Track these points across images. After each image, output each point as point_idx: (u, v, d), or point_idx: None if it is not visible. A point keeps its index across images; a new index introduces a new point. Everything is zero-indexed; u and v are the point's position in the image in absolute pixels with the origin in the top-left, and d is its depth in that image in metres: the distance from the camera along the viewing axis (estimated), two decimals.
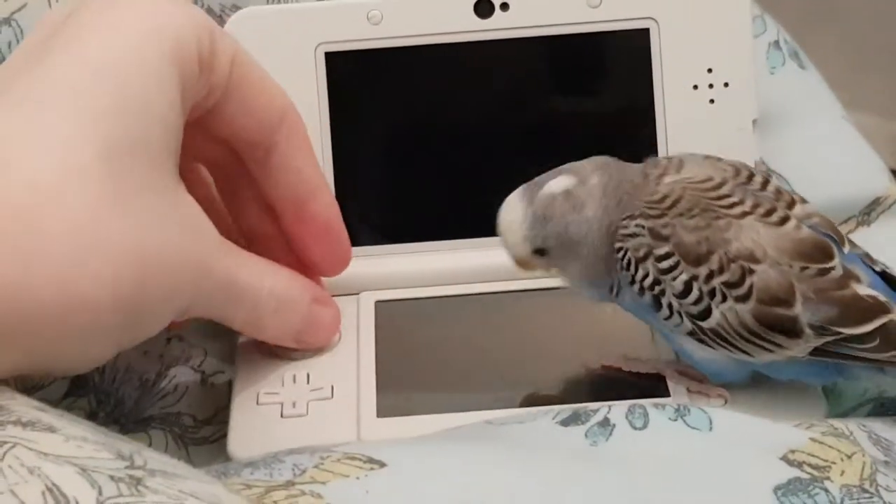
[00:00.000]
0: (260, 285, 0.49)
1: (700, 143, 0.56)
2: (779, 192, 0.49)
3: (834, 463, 0.43)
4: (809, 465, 0.43)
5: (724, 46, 0.57)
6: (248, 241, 0.53)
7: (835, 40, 1.19)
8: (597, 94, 0.58)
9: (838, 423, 0.46)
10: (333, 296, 0.55)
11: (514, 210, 0.49)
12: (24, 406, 0.39)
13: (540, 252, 0.49)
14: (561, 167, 0.50)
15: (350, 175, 0.57)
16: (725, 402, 0.49)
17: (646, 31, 0.57)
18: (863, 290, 0.47)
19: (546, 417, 0.45)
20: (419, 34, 0.56)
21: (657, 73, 0.57)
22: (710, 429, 0.44)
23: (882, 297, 0.47)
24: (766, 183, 0.49)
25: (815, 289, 0.47)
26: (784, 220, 0.48)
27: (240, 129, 0.49)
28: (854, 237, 0.58)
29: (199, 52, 0.46)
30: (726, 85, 0.57)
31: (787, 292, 0.47)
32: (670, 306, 0.48)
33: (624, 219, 0.48)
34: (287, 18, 0.57)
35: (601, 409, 0.45)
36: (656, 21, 0.56)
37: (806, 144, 0.60)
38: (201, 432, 0.55)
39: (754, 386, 0.50)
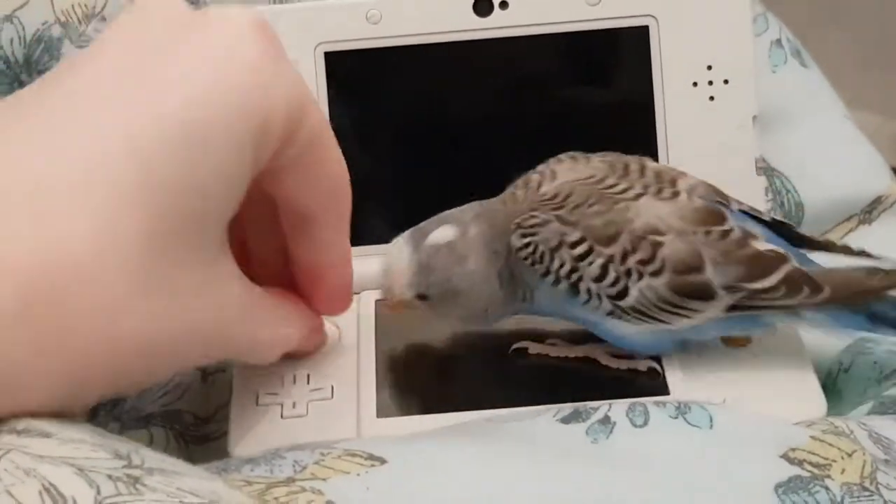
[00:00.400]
0: (274, 339, 0.48)
1: (700, 140, 0.57)
2: (658, 173, 0.51)
3: (834, 461, 0.43)
4: (810, 463, 0.43)
5: (723, 43, 0.57)
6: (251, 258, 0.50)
7: (838, 39, 1.19)
8: (596, 92, 0.58)
9: (839, 422, 0.46)
10: None
11: (400, 256, 0.50)
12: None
13: (421, 297, 0.51)
14: (442, 215, 0.51)
15: (351, 174, 0.56)
16: (659, 373, 0.51)
17: (645, 29, 0.57)
18: (761, 245, 0.49)
19: (547, 415, 0.45)
20: (418, 33, 0.57)
21: (657, 70, 0.57)
22: (711, 426, 0.44)
23: (780, 249, 0.50)
24: (643, 168, 0.51)
25: (720, 251, 0.49)
26: (675, 195, 0.50)
27: (291, 197, 0.46)
28: (855, 235, 0.59)
29: (285, 127, 0.42)
30: (726, 82, 0.57)
31: (697, 259, 0.49)
32: (588, 291, 0.49)
33: (520, 216, 0.50)
34: (286, 19, 0.57)
35: (602, 406, 0.45)
36: (655, 18, 0.56)
37: (807, 143, 0.60)
38: (202, 430, 0.55)
39: (754, 384, 0.50)
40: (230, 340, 0.45)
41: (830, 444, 0.44)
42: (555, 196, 0.50)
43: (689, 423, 0.44)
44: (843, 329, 0.50)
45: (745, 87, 0.57)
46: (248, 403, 0.51)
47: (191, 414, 0.55)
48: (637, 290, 0.49)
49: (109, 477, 0.35)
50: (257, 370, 0.52)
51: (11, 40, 0.56)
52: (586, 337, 0.52)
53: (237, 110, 0.40)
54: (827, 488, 0.42)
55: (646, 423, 0.44)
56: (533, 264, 0.50)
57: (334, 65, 0.57)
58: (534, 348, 0.52)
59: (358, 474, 0.41)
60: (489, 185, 0.52)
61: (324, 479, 0.41)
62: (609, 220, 0.49)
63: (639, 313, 0.49)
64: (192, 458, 0.52)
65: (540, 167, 0.52)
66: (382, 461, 0.42)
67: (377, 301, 0.55)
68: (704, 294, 0.49)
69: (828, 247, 0.52)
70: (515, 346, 0.52)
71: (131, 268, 0.39)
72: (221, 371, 0.56)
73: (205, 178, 0.40)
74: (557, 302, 0.50)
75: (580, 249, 0.49)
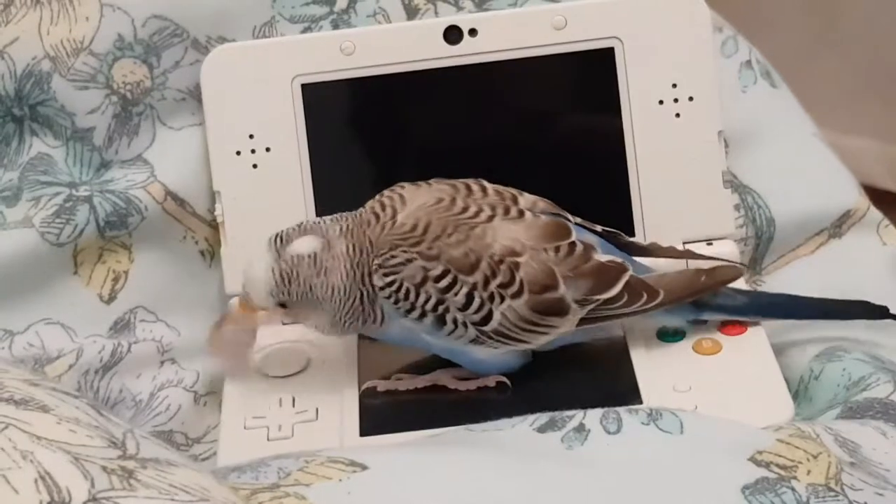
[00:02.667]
0: None
1: (668, 156, 0.58)
2: (498, 192, 0.53)
3: (800, 463, 0.44)
4: (776, 465, 0.44)
5: (687, 62, 0.58)
6: None
7: (834, 65, 1.19)
8: (566, 113, 0.60)
9: (805, 426, 0.47)
10: None
11: (262, 267, 0.51)
12: (16, 381, 0.40)
13: (282, 305, 0.52)
14: (305, 224, 0.52)
15: (330, 202, 0.58)
16: (509, 385, 0.53)
17: (610, 50, 0.58)
18: (602, 257, 0.53)
19: (524, 424, 0.46)
20: (391, 62, 0.58)
21: (623, 90, 0.58)
22: (681, 432, 0.45)
23: (618, 259, 0.53)
24: (483, 189, 0.53)
25: (569, 268, 0.51)
26: (521, 214, 0.52)
27: None
28: (826, 249, 0.61)
29: None
30: (691, 99, 0.58)
31: (551, 277, 0.51)
32: (455, 321, 0.51)
33: (381, 255, 0.51)
34: (263, 53, 0.58)
35: (577, 415, 0.46)
36: (620, 40, 0.58)
37: (777, 160, 0.61)
38: (192, 450, 0.57)
39: (724, 391, 0.51)
40: None
41: (796, 447, 0.45)
42: (414, 227, 0.51)
43: (660, 430, 0.45)
44: (674, 317, 0.54)
45: (710, 104, 0.58)
46: (237, 427, 0.52)
47: (182, 434, 0.57)
48: (499, 314, 0.51)
49: (104, 469, 0.36)
50: (245, 394, 0.54)
51: (3, 76, 0.58)
52: (429, 366, 0.54)
53: None
54: (793, 489, 0.43)
55: (619, 429, 0.45)
56: (396, 302, 0.51)
57: (311, 96, 0.58)
58: (382, 386, 0.53)
59: (340, 480, 0.42)
60: None
61: (307, 485, 0.42)
62: (469, 249, 0.51)
63: (501, 336, 0.51)
64: None
65: (386, 192, 0.53)
66: (364, 467, 0.43)
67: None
68: (560, 310, 0.51)
69: (652, 251, 0.55)
70: (364, 386, 0.53)
71: None
72: (213, 393, 0.58)
73: None
74: (415, 333, 0.52)
75: (445, 282, 0.51)
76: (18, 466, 0.35)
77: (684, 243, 0.58)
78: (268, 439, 0.52)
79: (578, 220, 0.54)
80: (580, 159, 0.59)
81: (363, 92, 0.58)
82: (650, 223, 0.58)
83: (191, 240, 0.59)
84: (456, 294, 0.51)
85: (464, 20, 0.58)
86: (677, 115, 0.58)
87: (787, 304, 0.55)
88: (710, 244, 0.58)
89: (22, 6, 0.58)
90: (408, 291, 0.51)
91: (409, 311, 0.51)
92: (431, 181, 0.53)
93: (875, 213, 0.61)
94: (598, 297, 0.52)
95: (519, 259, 0.51)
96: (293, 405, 0.53)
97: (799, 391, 0.54)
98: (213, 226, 0.59)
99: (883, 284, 0.59)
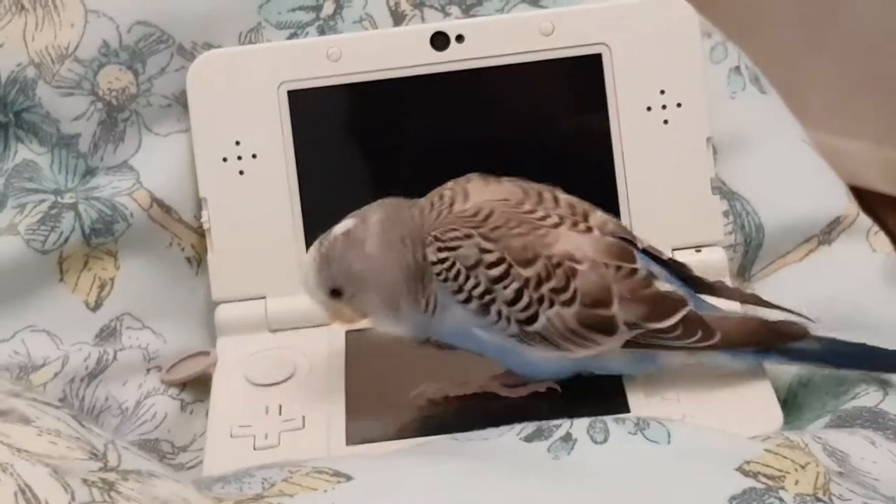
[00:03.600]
0: None
1: (655, 163, 0.58)
2: (571, 205, 0.52)
3: (788, 473, 0.44)
4: (764, 475, 0.44)
5: (675, 68, 0.58)
6: None
7: (828, 68, 1.19)
8: (553, 120, 0.59)
9: (793, 436, 0.47)
10: (306, 327, 0.57)
11: (308, 259, 0.51)
12: None
13: (336, 293, 0.51)
14: (350, 214, 0.52)
15: (318, 209, 0.58)
16: (558, 390, 0.52)
17: (598, 57, 0.58)
18: (663, 286, 0.51)
19: (510, 433, 0.46)
20: (378, 69, 0.58)
21: (611, 96, 0.58)
22: (669, 442, 0.45)
23: (680, 292, 0.51)
24: (556, 198, 0.52)
25: (628, 289, 0.50)
26: (589, 230, 0.51)
27: None
28: (816, 256, 0.60)
29: None
30: (679, 105, 0.58)
31: (606, 294, 0.50)
32: (499, 313, 0.50)
33: (437, 233, 0.50)
34: (249, 59, 0.58)
35: (564, 424, 0.46)
36: (608, 46, 0.58)
37: (766, 167, 0.61)
38: (178, 458, 0.56)
39: (711, 401, 0.51)
40: None
41: (784, 457, 0.45)
42: (475, 213, 0.51)
43: (647, 439, 0.45)
44: (735, 361, 0.52)
45: (698, 110, 0.58)
46: (223, 436, 0.52)
47: (168, 442, 0.57)
48: (545, 318, 0.50)
49: (84, 481, 0.36)
50: (232, 402, 0.54)
51: None
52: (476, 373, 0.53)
53: None
54: (781, 499, 0.43)
55: (606, 439, 0.45)
56: (446, 280, 0.50)
57: (297, 102, 0.58)
58: (432, 392, 0.53)
59: (325, 491, 0.42)
60: None
61: (291, 496, 0.42)
62: (529, 243, 0.50)
63: (543, 339, 0.51)
64: None
65: (449, 184, 0.52)
66: (348, 478, 0.42)
67: (347, 331, 0.56)
68: (608, 328, 0.50)
69: (718, 290, 0.54)
70: (414, 393, 0.53)
71: None
72: (199, 401, 0.57)
73: None
74: (467, 327, 0.51)
75: (497, 271, 0.50)
76: None
77: (673, 250, 0.57)
78: (254, 448, 0.51)
79: (647, 245, 0.52)
80: (568, 166, 0.58)
81: (350, 98, 0.58)
82: (639, 230, 0.57)
83: (177, 246, 0.59)
84: (506, 287, 0.50)
85: (451, 26, 0.58)
86: (665, 121, 0.58)
87: (862, 355, 0.53)
88: (699, 251, 0.58)
89: (6, 12, 0.58)
90: (458, 272, 0.50)
91: (456, 293, 0.50)
92: (504, 178, 0.52)
93: (865, 220, 0.61)
94: (650, 324, 0.50)
95: (578, 266, 0.50)
96: (280, 413, 0.53)
97: (787, 399, 0.54)
98: (200, 232, 0.59)
99: (872, 292, 0.59)
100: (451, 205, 0.51)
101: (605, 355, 0.51)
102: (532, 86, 0.59)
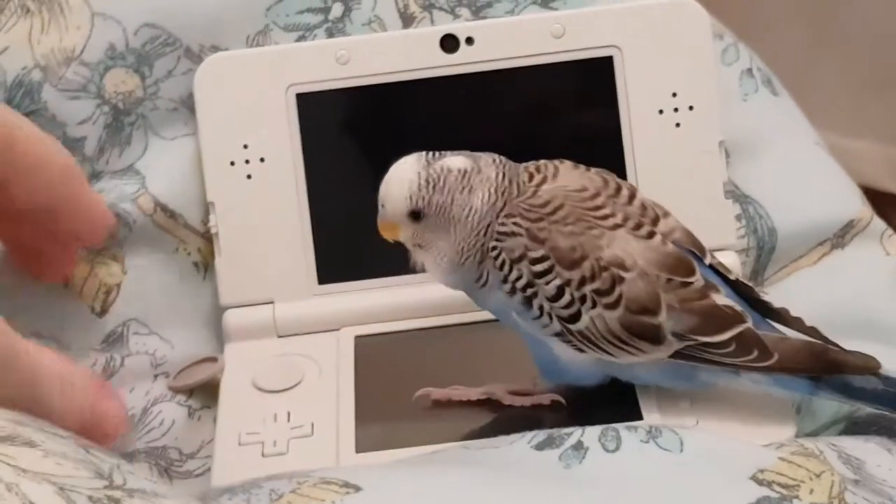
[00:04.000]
0: (40, 361, 0.47)
1: (667, 166, 0.58)
2: (644, 206, 0.51)
3: (803, 482, 0.43)
4: (779, 484, 0.43)
5: (687, 70, 0.58)
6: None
7: (836, 67, 1.19)
8: (564, 123, 0.59)
9: (808, 443, 0.47)
10: (314, 332, 0.56)
11: (408, 168, 0.50)
12: (3, 420, 0.39)
13: (415, 216, 0.50)
14: (462, 151, 0.51)
15: (327, 213, 0.58)
16: (563, 404, 0.51)
17: (609, 59, 0.57)
18: (721, 300, 0.50)
19: (521, 442, 0.46)
20: (387, 71, 0.57)
21: (622, 99, 0.57)
22: (681, 450, 0.45)
23: (738, 307, 0.50)
24: (632, 196, 0.52)
25: (678, 299, 0.49)
26: (651, 235, 0.50)
27: (27, 195, 0.52)
28: (829, 259, 0.60)
29: None
30: (691, 108, 0.58)
31: (654, 302, 0.49)
32: (541, 308, 0.50)
33: (502, 217, 0.50)
34: (257, 61, 0.58)
35: (575, 432, 0.45)
36: (619, 49, 0.57)
37: (779, 170, 0.60)
38: (186, 465, 0.56)
39: (725, 407, 0.51)
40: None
41: (799, 465, 0.44)
42: (545, 204, 0.50)
43: (660, 447, 0.45)
44: (785, 390, 0.50)
45: (711, 113, 0.58)
46: (231, 443, 0.52)
47: (176, 450, 0.56)
48: (589, 318, 0.49)
49: (90, 499, 0.36)
50: (240, 409, 0.54)
51: None
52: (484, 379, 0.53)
53: None
54: None
55: (618, 447, 0.45)
56: (496, 267, 0.50)
57: (306, 106, 0.57)
58: (437, 394, 0.53)
59: (333, 502, 0.41)
60: None
61: None
62: (578, 244, 0.49)
63: (587, 340, 0.50)
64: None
65: (546, 161, 0.52)
66: (357, 489, 0.42)
67: (357, 336, 0.56)
68: (654, 337, 0.49)
69: (782, 316, 0.52)
70: (418, 393, 0.52)
71: None
72: (207, 407, 0.57)
73: None
74: (508, 309, 0.51)
75: (540, 267, 0.49)
76: (2, 499, 0.35)
77: None
78: (262, 455, 0.51)
79: (717, 262, 0.52)
80: None
81: (358, 101, 0.58)
82: None
83: (183, 251, 0.59)
84: (547, 283, 0.49)
85: (460, 28, 0.57)
86: (677, 124, 0.58)
87: None
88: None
89: (12, 15, 0.57)
90: (503, 263, 0.50)
91: (503, 282, 0.50)
92: (593, 168, 0.52)
93: (878, 223, 0.60)
94: (701, 337, 0.49)
95: (625, 274, 0.49)
96: (288, 420, 0.52)
97: (802, 405, 0.53)
98: (207, 237, 0.58)
99: (886, 296, 0.58)
100: (542, 182, 0.51)
101: (643, 365, 0.50)
102: (542, 88, 0.58)
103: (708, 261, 0.51)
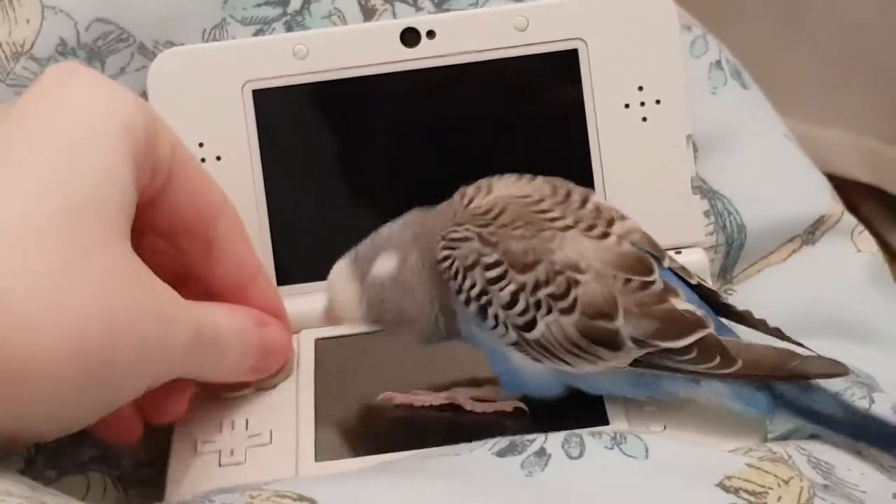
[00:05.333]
0: (216, 326, 0.49)
1: (634, 161, 0.56)
2: (598, 209, 0.50)
3: (771, 489, 0.42)
4: (746, 491, 0.42)
5: (653, 64, 0.56)
6: None
7: (805, 57, 1.18)
8: (529, 118, 0.57)
9: (777, 447, 0.46)
10: None
11: (346, 291, 0.51)
12: None
13: (376, 322, 0.51)
14: (379, 237, 0.51)
15: (284, 212, 0.56)
16: (525, 411, 0.50)
17: (574, 52, 0.56)
18: (681, 304, 0.48)
19: (482, 448, 0.45)
20: (346, 67, 0.56)
21: (588, 93, 0.56)
22: (647, 457, 0.44)
23: (699, 312, 0.48)
24: (584, 201, 0.50)
25: (636, 303, 0.48)
26: (605, 236, 0.49)
27: (181, 221, 0.50)
28: (799, 256, 0.59)
29: (145, 131, 0.46)
30: (658, 102, 0.56)
31: (611, 306, 0.47)
32: (496, 317, 0.48)
33: (452, 226, 0.49)
34: (212, 57, 0.56)
35: (538, 438, 0.45)
36: (584, 42, 0.56)
37: (749, 164, 0.59)
38: (141, 474, 0.55)
39: (693, 411, 0.49)
40: (175, 321, 0.46)
41: (767, 472, 0.43)
42: (486, 211, 0.49)
43: (624, 454, 0.44)
44: (744, 406, 0.48)
45: (678, 107, 0.56)
46: (187, 452, 0.50)
47: (131, 458, 0.55)
48: (544, 325, 0.48)
49: None
50: (197, 416, 0.52)
51: None
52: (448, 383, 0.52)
53: (98, 110, 0.46)
54: None
55: (581, 454, 0.44)
56: (448, 280, 0.49)
57: (263, 102, 0.56)
58: (399, 399, 0.52)
59: None
60: None
61: None
62: (530, 247, 0.48)
63: (543, 349, 0.48)
64: (131, 503, 0.53)
65: (481, 180, 0.51)
66: (312, 502, 0.41)
67: (317, 339, 0.55)
68: (612, 343, 0.47)
69: (746, 319, 0.51)
70: (380, 396, 0.52)
71: (52, 245, 0.42)
72: None
73: (91, 162, 0.44)
74: (471, 324, 0.50)
75: (494, 273, 0.48)
76: None
77: None
78: (219, 465, 0.50)
79: (678, 266, 0.50)
80: (544, 165, 0.56)
81: (317, 97, 0.56)
82: None
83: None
84: (501, 290, 0.48)
85: (421, 22, 0.56)
86: (644, 118, 0.56)
87: (890, 433, 0.48)
88: (679, 252, 0.56)
89: None
90: (457, 271, 0.49)
91: (457, 293, 0.49)
92: (539, 177, 0.51)
93: (849, 219, 0.59)
94: (661, 342, 0.47)
95: (580, 277, 0.47)
96: (246, 428, 0.51)
97: None
98: None
99: (857, 293, 0.57)
100: (471, 201, 0.50)
101: (604, 375, 0.48)
102: (506, 83, 0.57)
103: (667, 264, 0.50)
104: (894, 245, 1.25)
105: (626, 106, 0.56)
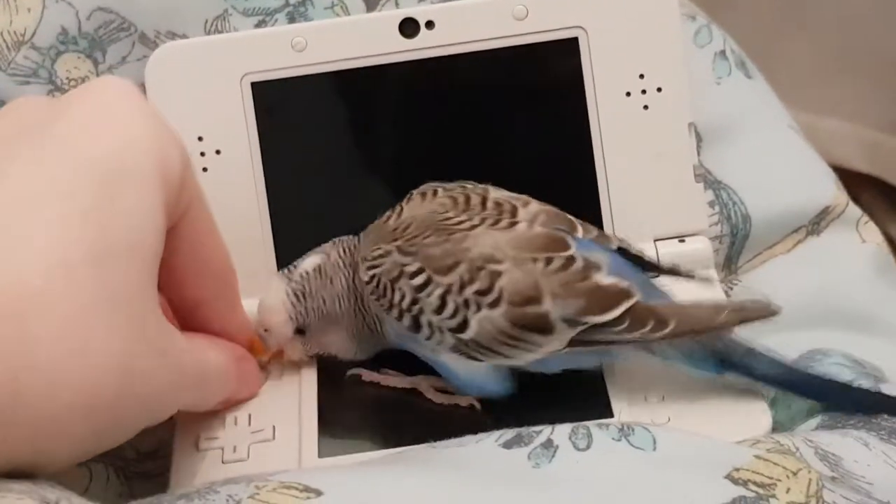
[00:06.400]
0: (207, 361, 0.48)
1: (636, 150, 0.56)
2: (497, 204, 0.51)
3: (779, 480, 0.42)
4: (754, 482, 0.42)
5: (654, 51, 0.56)
6: None
7: (805, 46, 1.18)
8: (529, 107, 0.57)
9: (784, 439, 0.46)
10: None
11: (275, 292, 0.51)
12: None
13: (300, 331, 0.51)
14: (311, 251, 0.52)
15: (284, 205, 0.56)
16: (477, 408, 0.51)
17: (574, 41, 0.56)
18: (603, 278, 0.49)
19: (489, 440, 0.44)
20: (345, 58, 0.56)
21: (589, 81, 0.56)
22: (654, 448, 0.43)
23: (623, 283, 0.49)
24: (484, 200, 0.51)
25: (560, 283, 0.48)
26: (513, 225, 0.50)
27: (177, 278, 0.48)
28: (804, 247, 0.58)
29: (179, 168, 0.45)
30: (659, 90, 0.56)
31: (534, 289, 0.48)
32: (430, 325, 0.49)
33: (369, 249, 0.50)
34: (210, 50, 0.56)
35: (544, 430, 0.44)
36: (585, 30, 0.56)
37: (753, 155, 0.59)
38: (143, 466, 0.54)
39: (698, 402, 0.49)
40: (183, 368, 0.45)
41: (775, 463, 0.43)
42: (395, 229, 0.50)
43: (632, 446, 0.43)
44: (695, 369, 0.50)
45: (679, 95, 0.56)
46: (189, 449, 0.50)
47: (133, 449, 0.55)
48: (476, 322, 0.48)
49: None
50: (199, 412, 0.52)
51: None
52: (419, 367, 0.52)
53: (138, 143, 0.43)
54: None
55: (588, 446, 0.43)
56: (378, 298, 0.49)
57: (261, 95, 0.56)
58: (367, 376, 0.52)
59: None
60: None
61: None
62: (446, 251, 0.49)
63: (481, 347, 0.49)
64: (134, 494, 0.53)
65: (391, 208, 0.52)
66: (318, 493, 0.41)
67: None
68: (543, 327, 0.48)
69: (677, 272, 0.52)
70: (350, 372, 0.52)
71: (82, 292, 0.40)
72: None
73: (129, 202, 0.42)
74: (403, 337, 0.50)
75: (419, 280, 0.49)
76: None
77: (655, 240, 0.56)
78: (222, 462, 0.49)
79: (594, 234, 0.51)
80: (545, 154, 0.56)
81: (316, 89, 0.56)
82: (619, 219, 0.56)
83: None
84: (429, 295, 0.48)
85: (420, 12, 0.55)
86: (645, 107, 0.56)
87: (823, 388, 0.50)
88: (683, 241, 0.56)
89: None
90: (385, 287, 0.49)
91: (388, 310, 0.49)
92: (442, 189, 0.52)
93: (854, 210, 0.59)
94: (590, 318, 0.48)
95: (499, 267, 0.48)
96: (249, 424, 0.51)
97: (777, 397, 0.52)
98: None
99: (862, 283, 0.57)
100: (386, 221, 0.51)
101: (551, 357, 0.49)
102: (506, 72, 0.56)
103: (581, 234, 0.50)
104: (894, 235, 1.25)
105: (628, 94, 0.56)
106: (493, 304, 0.48)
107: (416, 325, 0.49)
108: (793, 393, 0.51)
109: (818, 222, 0.59)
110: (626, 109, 0.56)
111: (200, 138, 0.56)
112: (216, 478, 0.47)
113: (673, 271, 0.52)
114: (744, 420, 0.48)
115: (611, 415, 0.49)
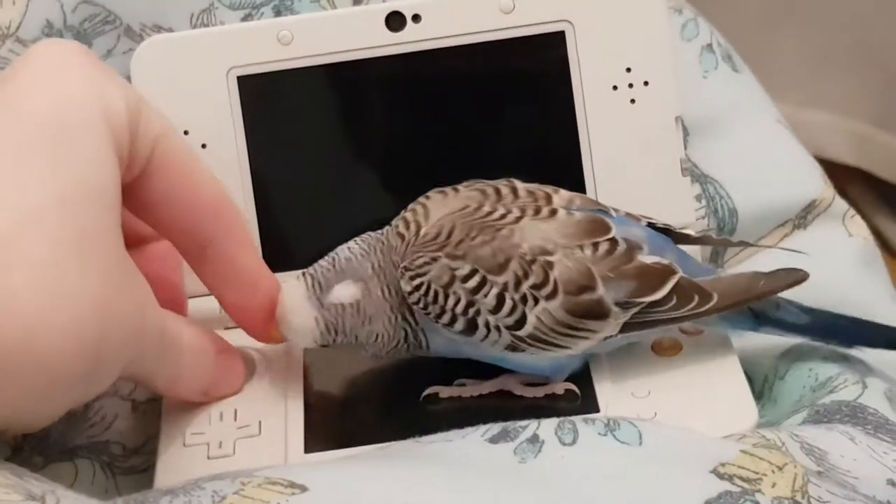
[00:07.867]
0: (180, 336, 0.48)
1: (623, 143, 0.56)
2: (530, 192, 0.51)
3: (765, 475, 0.42)
4: (740, 477, 0.42)
5: (641, 45, 0.56)
6: None
7: (794, 40, 1.18)
8: (516, 101, 0.57)
9: (770, 434, 0.46)
10: None
11: (302, 314, 0.50)
12: None
13: (325, 346, 0.51)
14: (339, 262, 0.50)
15: (271, 199, 0.56)
16: (577, 394, 0.50)
17: (561, 34, 0.56)
18: (647, 258, 0.49)
19: (475, 435, 0.44)
20: (331, 52, 0.55)
21: (575, 75, 0.56)
22: (640, 443, 0.43)
23: (664, 261, 0.50)
24: (514, 190, 0.51)
25: (609, 268, 0.49)
26: (553, 213, 0.50)
27: (176, 226, 0.49)
28: (791, 241, 0.59)
29: (125, 112, 0.45)
30: (646, 84, 0.56)
31: (588, 277, 0.48)
32: (487, 324, 0.49)
33: (412, 257, 0.49)
34: (196, 44, 0.55)
35: (530, 424, 0.44)
36: (571, 23, 0.55)
37: (740, 149, 0.59)
38: (130, 461, 0.54)
39: (684, 397, 0.49)
40: (146, 324, 0.45)
41: (761, 458, 0.43)
42: (437, 235, 0.49)
43: (618, 441, 0.43)
44: (733, 329, 0.51)
45: (666, 88, 0.56)
46: (175, 444, 0.50)
47: (119, 445, 0.54)
48: (534, 317, 0.48)
49: None
50: (186, 407, 0.52)
51: None
52: (494, 370, 0.51)
53: (83, 95, 0.44)
54: (757, 503, 0.41)
55: (574, 440, 0.43)
56: (426, 307, 0.49)
57: (247, 89, 0.55)
58: (444, 392, 0.51)
59: (278, 503, 0.40)
60: (411, 201, 0.51)
61: None
62: (497, 248, 0.48)
63: (538, 341, 0.49)
64: (120, 490, 0.53)
65: (410, 206, 0.51)
66: (304, 489, 0.41)
67: None
68: (599, 313, 0.48)
69: (706, 240, 0.54)
70: (426, 392, 0.51)
71: (53, 236, 0.41)
72: (151, 401, 0.55)
73: (85, 150, 0.43)
74: (454, 343, 0.50)
75: (473, 282, 0.48)
76: None
77: None
78: (208, 457, 0.49)
79: (624, 212, 0.51)
80: (532, 148, 0.56)
81: (303, 83, 0.56)
82: None
83: None
84: (486, 295, 0.48)
85: (406, 6, 0.55)
86: (632, 100, 0.56)
87: (854, 329, 0.53)
88: None
89: None
90: (436, 294, 0.48)
91: (438, 317, 0.49)
92: (461, 186, 0.51)
93: (841, 204, 0.59)
94: (642, 299, 0.49)
95: (551, 258, 0.48)
96: (235, 419, 0.50)
97: (763, 392, 0.52)
98: None
99: (849, 277, 0.57)
100: (418, 230, 0.50)
101: (604, 343, 0.49)
102: (493, 66, 0.56)
103: (615, 214, 0.51)
104: (881, 228, 1.25)
105: (614, 88, 0.56)
106: (550, 296, 0.48)
107: (472, 326, 0.49)
108: (824, 340, 0.53)
109: (805, 216, 0.59)
110: (612, 103, 0.56)
111: (186, 132, 0.55)
112: (202, 473, 0.47)
113: (702, 240, 0.53)
114: (730, 415, 0.48)
115: (597, 409, 0.49)
